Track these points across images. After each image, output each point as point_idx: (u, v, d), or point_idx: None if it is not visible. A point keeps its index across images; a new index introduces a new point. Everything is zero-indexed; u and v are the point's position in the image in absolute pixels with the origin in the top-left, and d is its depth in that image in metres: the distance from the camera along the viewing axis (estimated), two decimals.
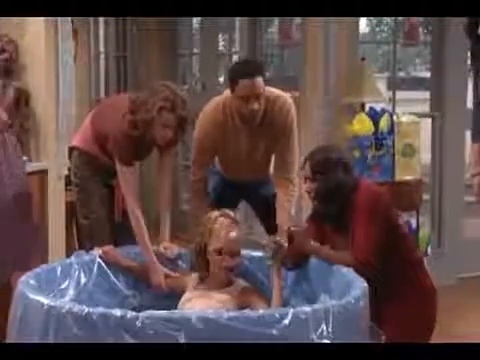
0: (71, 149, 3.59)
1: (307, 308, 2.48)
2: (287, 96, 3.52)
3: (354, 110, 5.12)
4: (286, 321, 2.38)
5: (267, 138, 3.46)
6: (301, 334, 2.40)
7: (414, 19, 5.67)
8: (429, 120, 5.69)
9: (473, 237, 5.86)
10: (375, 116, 4.88)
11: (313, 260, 3.19)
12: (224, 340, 2.31)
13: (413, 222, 5.09)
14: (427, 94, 5.89)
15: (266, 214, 3.60)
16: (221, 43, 7.32)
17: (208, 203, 3.51)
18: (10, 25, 4.58)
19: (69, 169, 3.68)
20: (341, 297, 2.66)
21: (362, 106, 5.12)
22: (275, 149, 3.51)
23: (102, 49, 7.62)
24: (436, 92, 5.65)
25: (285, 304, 3.06)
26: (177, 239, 3.57)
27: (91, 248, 3.35)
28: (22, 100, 4.61)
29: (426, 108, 5.93)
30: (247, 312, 2.54)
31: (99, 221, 3.46)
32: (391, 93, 5.83)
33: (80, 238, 4.59)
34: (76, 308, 2.42)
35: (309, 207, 3.30)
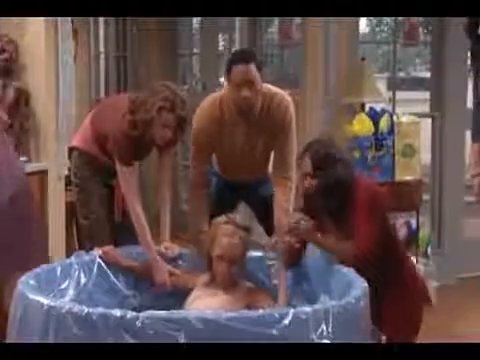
0: (71, 149, 3.59)
1: (307, 308, 2.48)
2: (285, 93, 3.51)
3: (354, 110, 5.12)
4: (286, 321, 2.38)
5: (265, 135, 3.45)
6: (301, 334, 2.40)
7: (414, 19, 5.68)
8: (429, 120, 5.69)
9: (473, 237, 5.86)
10: (375, 116, 4.88)
11: (313, 260, 3.19)
12: (224, 340, 2.31)
13: (413, 222, 5.09)
14: (427, 94, 5.89)
15: (265, 215, 3.60)
16: (221, 43, 7.32)
17: (207, 202, 3.51)
18: (10, 25, 4.58)
19: (69, 169, 3.68)
20: (341, 297, 2.66)
21: (362, 106, 5.13)
22: (273, 147, 3.49)
23: (102, 49, 7.62)
24: (436, 92, 5.65)
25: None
26: (177, 239, 3.57)
27: (91, 248, 3.35)
28: (22, 100, 4.62)
29: (426, 108, 5.93)
30: (247, 312, 2.54)
31: (99, 221, 3.46)
32: (391, 93, 5.83)
33: (80, 238, 4.59)
34: (76, 308, 2.42)
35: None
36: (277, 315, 2.40)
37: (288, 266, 3.19)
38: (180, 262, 3.42)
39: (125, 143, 3.27)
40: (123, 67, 7.49)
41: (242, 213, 3.93)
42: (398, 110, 5.44)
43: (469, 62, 5.33)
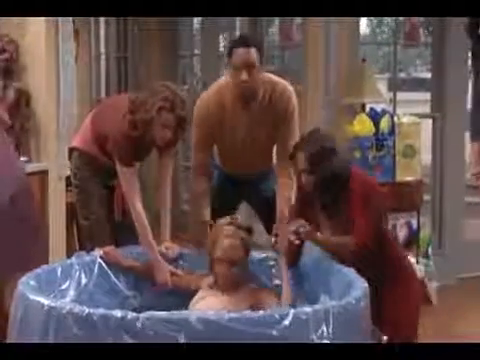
0: (71, 150, 3.59)
1: (307, 309, 2.48)
2: (287, 83, 3.51)
3: (355, 111, 5.12)
4: (286, 322, 2.38)
5: (267, 125, 3.44)
6: (301, 335, 2.40)
7: (414, 20, 5.67)
8: (430, 121, 5.68)
9: (473, 238, 5.87)
10: (376, 117, 4.88)
11: (313, 260, 3.19)
12: (224, 341, 2.31)
13: (414, 223, 5.09)
14: (428, 95, 5.89)
15: (266, 213, 3.60)
16: (222, 44, 7.32)
17: (208, 192, 3.51)
18: (11, 25, 4.58)
19: (70, 169, 3.68)
20: (341, 298, 2.66)
21: (363, 107, 5.13)
22: (276, 138, 3.48)
23: (103, 49, 7.62)
24: (437, 93, 5.65)
25: None
26: (177, 239, 3.57)
27: (92, 249, 3.35)
28: (22, 101, 4.61)
29: (427, 109, 5.93)
30: (247, 313, 2.54)
31: (99, 222, 3.46)
32: (392, 94, 5.83)
33: (80, 239, 4.59)
34: (76, 309, 2.42)
35: None
36: (277, 316, 2.39)
37: (289, 264, 3.18)
38: (181, 262, 3.42)
39: (125, 143, 3.27)
40: (124, 67, 7.49)
41: (244, 213, 3.94)
42: (399, 111, 5.44)
43: (470, 63, 5.34)
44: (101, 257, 3.28)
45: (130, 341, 2.32)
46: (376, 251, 3.05)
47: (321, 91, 5.27)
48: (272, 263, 3.33)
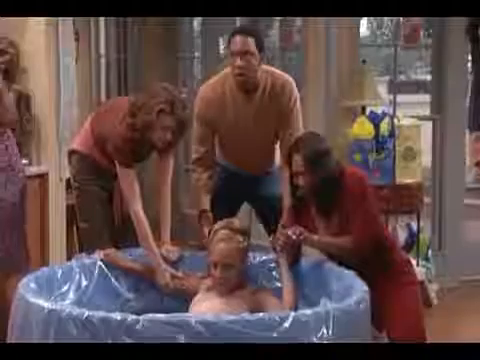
0: (71, 152, 3.58)
1: (308, 311, 2.48)
2: (288, 76, 3.53)
3: (355, 113, 5.12)
4: (286, 324, 2.38)
5: (270, 118, 3.45)
6: (302, 337, 2.40)
7: (415, 22, 5.67)
8: (430, 123, 5.69)
9: (474, 240, 5.87)
10: (376, 119, 4.88)
11: (313, 263, 3.19)
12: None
13: (414, 225, 5.09)
14: (427, 97, 5.89)
15: (269, 218, 3.60)
16: (222, 46, 7.32)
17: (207, 182, 3.52)
18: (11, 28, 4.57)
19: (70, 172, 3.68)
20: (342, 300, 2.66)
21: (363, 109, 5.13)
22: (279, 130, 3.49)
23: (103, 51, 7.62)
24: (437, 95, 5.65)
25: None
26: (177, 242, 3.57)
27: (92, 251, 3.35)
28: (22, 103, 4.61)
29: (426, 111, 5.93)
30: (247, 315, 2.54)
31: (99, 224, 3.45)
32: (392, 96, 5.83)
33: (81, 241, 4.59)
34: (76, 312, 2.42)
35: None
36: (277, 318, 2.39)
37: (290, 264, 3.18)
38: (181, 265, 3.42)
39: (125, 146, 3.27)
40: (124, 69, 7.49)
41: (243, 214, 3.93)
42: (399, 113, 5.44)
43: (469, 65, 5.35)
44: (101, 259, 3.28)
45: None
46: (374, 251, 3.06)
47: (321, 93, 5.27)
48: (273, 265, 3.32)
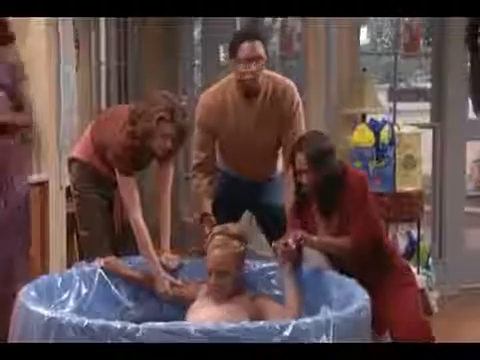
0: (71, 160, 3.59)
1: (308, 319, 2.48)
2: (290, 81, 3.55)
3: (355, 121, 5.12)
4: (287, 333, 2.38)
5: (272, 122, 3.45)
6: None
7: (414, 30, 5.68)
8: (430, 131, 5.69)
9: (474, 247, 5.87)
10: (376, 127, 4.88)
11: (313, 271, 3.18)
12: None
13: (414, 233, 5.09)
14: (427, 105, 5.90)
15: (270, 227, 3.59)
16: (222, 54, 7.32)
17: (208, 187, 3.52)
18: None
19: (70, 180, 3.67)
20: (342, 309, 2.66)
21: (363, 117, 5.13)
22: (281, 136, 3.49)
23: (103, 59, 7.63)
24: (437, 103, 5.65)
25: None
26: (177, 250, 3.57)
27: (92, 259, 3.35)
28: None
29: (426, 119, 5.93)
30: (247, 323, 2.53)
31: (99, 232, 3.45)
32: (392, 104, 5.84)
33: (81, 249, 4.58)
34: (76, 320, 2.42)
35: None
36: (278, 326, 2.39)
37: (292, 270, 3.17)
38: (181, 273, 3.41)
39: (125, 153, 3.27)
40: (124, 77, 7.50)
41: (243, 221, 3.92)
42: (399, 121, 5.44)
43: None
44: (102, 267, 3.28)
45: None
46: (374, 256, 3.06)
47: (322, 101, 5.27)
48: (272, 273, 3.32)
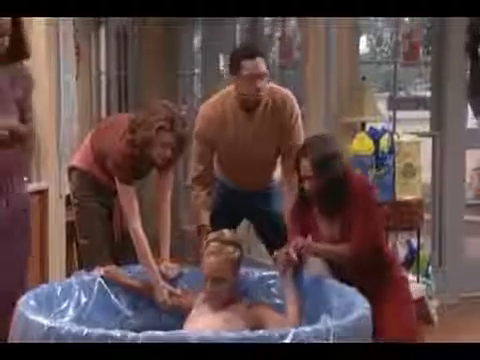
0: (71, 169, 3.59)
1: (308, 328, 2.47)
2: (288, 91, 3.55)
3: (354, 129, 5.13)
4: (286, 341, 2.37)
5: (271, 134, 3.46)
6: None
7: (414, 39, 5.70)
8: (429, 139, 5.69)
9: (474, 256, 5.86)
10: (376, 135, 4.88)
11: (313, 279, 3.18)
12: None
13: (414, 242, 5.08)
14: (427, 113, 5.90)
15: (269, 236, 3.59)
16: (222, 63, 7.34)
17: (206, 199, 3.53)
18: None
19: (70, 188, 3.67)
20: (342, 317, 2.65)
21: (362, 125, 5.13)
22: (281, 146, 3.50)
23: (103, 68, 7.64)
24: (436, 111, 5.66)
25: None
26: (177, 259, 3.57)
27: (91, 268, 3.35)
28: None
29: (426, 128, 5.94)
30: (246, 332, 2.53)
31: (99, 241, 3.45)
32: (391, 112, 5.84)
33: (80, 258, 4.58)
34: (75, 329, 2.41)
35: None
36: (277, 335, 2.38)
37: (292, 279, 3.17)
38: (181, 282, 3.41)
39: (125, 162, 3.27)
40: (124, 86, 7.51)
41: (241, 228, 3.92)
42: (398, 129, 5.45)
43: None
44: (102, 276, 3.27)
45: None
46: (373, 264, 3.05)
47: (321, 109, 5.28)
48: (272, 281, 3.31)
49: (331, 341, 2.44)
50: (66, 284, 3.17)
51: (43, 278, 4.55)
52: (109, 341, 2.34)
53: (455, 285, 5.48)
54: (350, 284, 3.01)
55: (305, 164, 3.04)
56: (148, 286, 3.30)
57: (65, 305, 3.07)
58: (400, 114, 5.96)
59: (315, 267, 3.33)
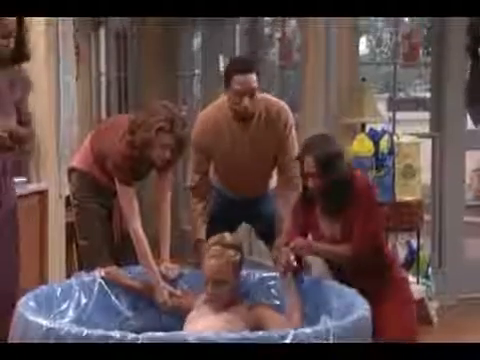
0: (71, 170, 3.59)
1: (308, 329, 2.47)
2: (283, 102, 3.55)
3: (354, 131, 5.13)
4: (286, 342, 2.37)
5: (266, 144, 3.46)
6: None
7: (414, 40, 5.70)
8: (429, 141, 5.69)
9: (474, 257, 5.86)
10: (375, 137, 4.88)
11: (313, 280, 3.18)
12: None
13: (414, 242, 5.09)
14: (427, 114, 5.90)
15: (269, 235, 3.60)
16: (222, 64, 7.34)
17: (203, 211, 3.54)
18: None
19: (70, 189, 3.67)
20: (342, 318, 2.65)
21: (362, 127, 5.13)
22: (276, 157, 3.50)
23: (103, 69, 7.64)
24: (436, 112, 5.66)
25: None
26: (177, 259, 3.57)
27: (91, 269, 3.34)
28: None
29: (426, 128, 5.94)
30: (246, 333, 2.53)
31: (98, 242, 3.45)
32: (391, 113, 5.85)
33: (80, 259, 4.58)
34: (75, 330, 2.41)
35: None
36: (277, 336, 2.38)
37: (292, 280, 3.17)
38: (181, 282, 3.41)
39: (124, 163, 3.27)
40: (124, 87, 7.51)
41: (242, 230, 3.92)
42: (398, 130, 5.45)
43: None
44: (102, 277, 3.27)
45: None
46: (373, 262, 3.05)
47: (321, 111, 5.28)
48: (272, 282, 3.31)
49: (331, 342, 2.44)
50: (66, 285, 3.17)
51: (43, 279, 4.55)
52: (109, 342, 2.33)
53: (455, 286, 5.48)
54: (350, 285, 3.01)
55: (309, 160, 3.03)
56: (148, 287, 3.30)
57: (65, 306, 3.07)
58: (400, 115, 5.97)
59: (315, 268, 3.34)
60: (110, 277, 3.29)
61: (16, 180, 4.39)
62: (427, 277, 5.16)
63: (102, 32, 7.56)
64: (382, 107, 6.48)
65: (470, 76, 4.65)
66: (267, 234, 3.66)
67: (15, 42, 3.46)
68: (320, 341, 2.42)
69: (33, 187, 4.57)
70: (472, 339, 4.68)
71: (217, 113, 3.47)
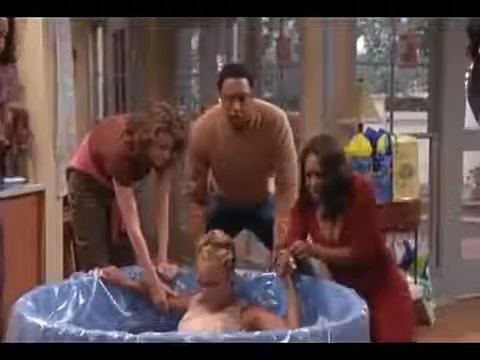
0: (69, 170, 3.59)
1: (305, 329, 2.47)
2: (278, 108, 3.56)
3: (352, 131, 5.13)
4: (284, 342, 2.37)
5: (262, 151, 3.46)
6: None
7: (411, 41, 5.70)
8: (427, 141, 5.70)
9: (471, 257, 5.86)
10: (373, 137, 4.89)
11: (311, 281, 3.18)
12: None
13: (411, 242, 5.09)
14: (424, 115, 5.91)
15: (269, 237, 3.60)
16: (220, 64, 7.34)
17: (202, 216, 3.55)
18: None
19: (68, 189, 3.67)
20: (340, 319, 2.65)
21: (360, 127, 5.13)
22: (272, 163, 3.51)
23: (101, 69, 7.64)
24: (434, 113, 5.67)
25: None
26: (175, 259, 3.56)
27: (89, 269, 3.34)
28: (20, 121, 4.61)
29: (423, 129, 5.94)
30: (243, 333, 2.53)
31: (96, 242, 3.45)
32: (389, 114, 5.84)
33: (78, 259, 4.58)
34: (73, 330, 2.41)
35: None
36: (275, 336, 2.38)
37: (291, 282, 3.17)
38: (179, 282, 3.41)
39: (123, 163, 3.27)
40: (122, 87, 7.51)
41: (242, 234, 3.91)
42: (396, 130, 5.45)
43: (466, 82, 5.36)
44: (101, 277, 3.27)
45: None
46: (372, 263, 3.06)
47: (318, 111, 5.28)
48: (268, 283, 3.31)
49: (328, 342, 2.44)
50: (64, 285, 3.16)
51: (40, 279, 4.54)
52: (107, 342, 2.33)
53: (452, 286, 5.48)
54: (348, 285, 3.01)
55: (313, 159, 3.04)
56: (146, 287, 3.30)
57: (63, 306, 3.06)
58: (397, 115, 5.96)
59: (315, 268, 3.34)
60: (109, 277, 3.29)
61: (13, 180, 4.42)
62: (425, 277, 5.16)
63: (100, 32, 7.56)
64: (380, 107, 6.47)
65: (472, 76, 4.62)
66: (268, 239, 3.66)
67: (5, 42, 3.45)
68: (318, 341, 2.42)
69: (30, 187, 4.57)
70: (470, 339, 4.69)
71: (213, 119, 3.48)
